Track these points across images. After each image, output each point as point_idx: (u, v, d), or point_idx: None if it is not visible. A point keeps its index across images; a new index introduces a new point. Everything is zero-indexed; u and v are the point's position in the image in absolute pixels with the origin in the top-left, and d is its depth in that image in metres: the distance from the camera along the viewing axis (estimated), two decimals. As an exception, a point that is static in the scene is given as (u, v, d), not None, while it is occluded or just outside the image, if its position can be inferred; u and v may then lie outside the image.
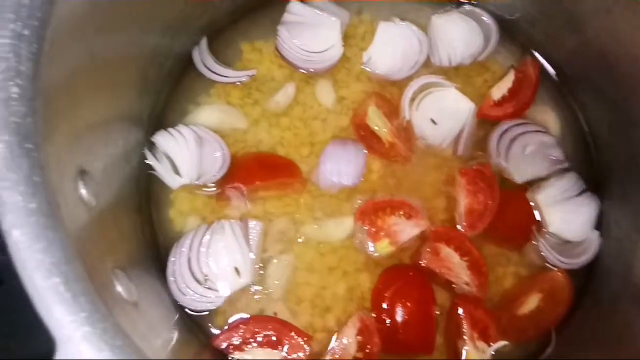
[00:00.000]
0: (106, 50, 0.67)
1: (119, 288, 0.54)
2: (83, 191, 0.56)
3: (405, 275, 0.82)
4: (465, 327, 0.79)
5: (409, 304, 0.80)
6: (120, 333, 0.45)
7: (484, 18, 0.95)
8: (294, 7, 0.93)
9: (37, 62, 0.49)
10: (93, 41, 0.63)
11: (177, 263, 0.79)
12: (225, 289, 0.79)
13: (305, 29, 0.92)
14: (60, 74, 0.55)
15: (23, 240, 0.42)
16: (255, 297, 0.82)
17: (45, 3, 0.51)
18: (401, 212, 0.84)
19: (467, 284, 0.82)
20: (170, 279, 0.79)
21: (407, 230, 0.83)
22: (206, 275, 0.79)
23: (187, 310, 0.80)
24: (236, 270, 0.80)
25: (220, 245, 0.80)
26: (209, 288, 0.79)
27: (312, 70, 0.92)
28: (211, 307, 0.79)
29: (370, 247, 0.83)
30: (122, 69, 0.74)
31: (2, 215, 0.43)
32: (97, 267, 0.51)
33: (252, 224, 0.83)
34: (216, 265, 0.79)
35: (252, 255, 0.82)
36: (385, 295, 0.80)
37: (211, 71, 0.91)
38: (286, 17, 0.93)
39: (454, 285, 0.82)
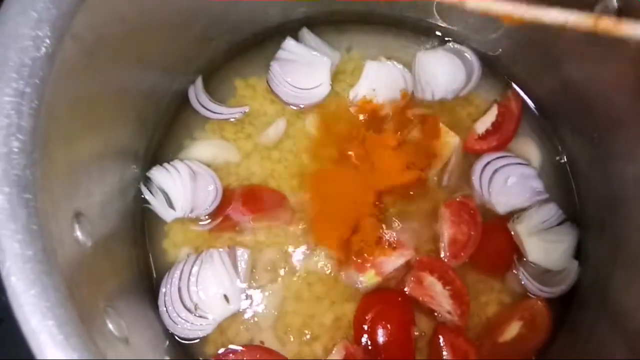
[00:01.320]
0: (105, 94, 0.72)
1: (111, 326, 0.58)
2: (79, 233, 0.60)
3: (384, 299, 0.85)
4: (446, 355, 0.82)
5: (388, 326, 0.83)
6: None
7: (467, 55, 0.99)
8: (289, 45, 0.98)
9: (37, 117, 0.54)
10: (93, 88, 0.67)
11: (168, 293, 0.83)
12: (215, 316, 0.83)
13: (296, 67, 0.97)
14: (59, 123, 0.59)
15: (20, 285, 0.46)
16: (245, 325, 0.86)
17: (46, 63, 0.55)
18: (387, 243, 0.87)
19: (449, 312, 0.85)
20: (162, 309, 0.83)
21: (393, 260, 0.86)
22: (196, 304, 0.83)
23: (177, 338, 0.83)
24: (225, 297, 0.84)
25: (209, 274, 0.84)
26: (200, 316, 0.83)
27: (301, 106, 0.97)
28: (201, 334, 0.83)
29: (359, 278, 0.86)
30: (120, 109, 0.79)
31: (1, 262, 0.47)
32: (89, 307, 0.55)
33: (240, 252, 0.87)
34: (205, 293, 0.83)
35: (240, 283, 0.86)
36: (366, 318, 0.84)
37: (206, 109, 0.96)
38: (280, 53, 0.98)
39: (436, 314, 0.86)
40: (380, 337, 0.82)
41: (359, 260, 0.86)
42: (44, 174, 0.54)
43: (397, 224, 0.91)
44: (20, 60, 0.53)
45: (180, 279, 0.84)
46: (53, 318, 0.46)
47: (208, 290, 0.84)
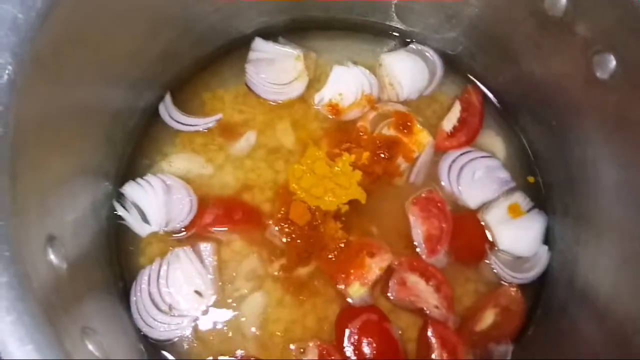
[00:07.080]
0: (72, 116, 0.73)
1: (90, 347, 0.58)
2: (52, 257, 0.60)
3: (359, 318, 0.86)
4: (436, 347, 0.84)
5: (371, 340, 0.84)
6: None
7: (428, 55, 1.02)
8: (257, 44, 1.00)
9: (3, 144, 0.54)
10: (58, 111, 0.68)
11: (140, 300, 0.85)
12: (191, 313, 0.85)
13: (270, 64, 0.99)
14: (26, 148, 0.59)
15: (-4, 313, 0.46)
16: (228, 335, 0.86)
17: (7, 89, 0.56)
18: (364, 253, 0.89)
19: (436, 307, 0.87)
20: (136, 316, 0.84)
21: (373, 268, 0.88)
22: (170, 304, 0.85)
23: (154, 341, 0.84)
24: (197, 293, 0.86)
25: (178, 274, 0.86)
26: (175, 315, 0.84)
27: (280, 101, 0.99)
28: (180, 333, 0.84)
29: (346, 292, 0.87)
30: (88, 131, 0.80)
31: (-26, 291, 0.47)
32: (68, 329, 0.56)
33: (203, 246, 0.89)
34: (178, 292, 0.85)
35: (210, 276, 0.87)
36: (346, 342, 0.84)
37: (178, 122, 0.97)
38: (251, 55, 1.00)
39: (426, 311, 0.87)
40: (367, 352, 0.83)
41: (342, 274, 0.87)
42: (14, 199, 0.54)
43: (370, 229, 0.93)
44: (-18, 89, 0.53)
45: (149, 284, 0.85)
46: (32, 342, 0.46)
47: (180, 290, 0.85)
